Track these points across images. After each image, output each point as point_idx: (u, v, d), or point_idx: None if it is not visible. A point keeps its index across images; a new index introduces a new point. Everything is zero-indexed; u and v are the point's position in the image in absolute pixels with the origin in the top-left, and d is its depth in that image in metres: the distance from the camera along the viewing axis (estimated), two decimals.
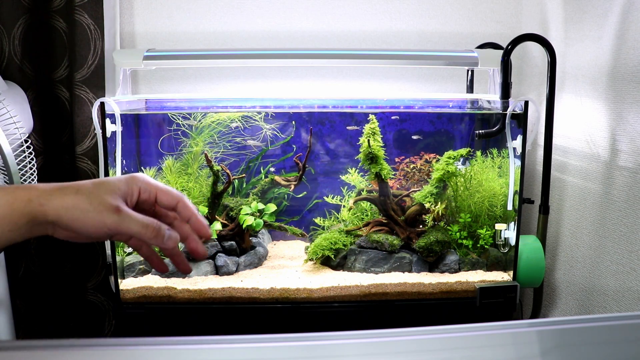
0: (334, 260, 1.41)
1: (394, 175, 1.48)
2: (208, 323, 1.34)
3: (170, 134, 1.50)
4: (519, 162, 1.32)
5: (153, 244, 0.59)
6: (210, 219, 1.43)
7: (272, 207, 1.46)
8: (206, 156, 1.40)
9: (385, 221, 1.46)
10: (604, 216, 1.23)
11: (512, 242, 1.34)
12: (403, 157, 1.54)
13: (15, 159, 1.19)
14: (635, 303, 1.13)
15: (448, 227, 1.44)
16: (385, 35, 1.66)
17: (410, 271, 1.40)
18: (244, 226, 1.41)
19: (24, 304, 1.62)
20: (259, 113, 1.53)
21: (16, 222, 0.53)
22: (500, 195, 1.41)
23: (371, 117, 1.40)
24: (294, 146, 1.59)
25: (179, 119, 1.48)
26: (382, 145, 1.40)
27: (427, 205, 1.43)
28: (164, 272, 0.60)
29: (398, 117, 1.58)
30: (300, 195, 1.60)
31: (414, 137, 1.58)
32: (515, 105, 1.30)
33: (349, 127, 1.56)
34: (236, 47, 1.64)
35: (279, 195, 1.60)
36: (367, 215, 1.52)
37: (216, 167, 1.42)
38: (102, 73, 1.52)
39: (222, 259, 1.39)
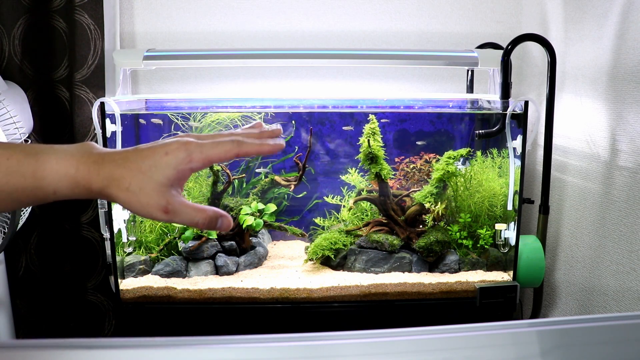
0: (334, 260, 1.41)
1: (394, 175, 1.48)
2: (208, 323, 1.33)
3: (170, 134, 1.50)
4: (519, 162, 1.32)
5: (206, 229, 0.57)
6: None
7: (272, 207, 1.46)
8: None
9: (385, 221, 1.46)
10: (604, 216, 1.23)
11: (512, 242, 1.34)
12: (403, 157, 1.54)
13: None
14: (635, 303, 1.13)
15: (448, 227, 1.44)
16: (385, 35, 1.66)
17: (410, 271, 1.40)
18: (244, 226, 1.41)
19: (24, 304, 1.62)
20: (259, 113, 1.53)
21: (66, 196, 0.56)
22: (500, 195, 1.41)
23: (371, 117, 1.40)
24: (296, 147, 1.59)
25: (178, 119, 1.48)
26: (382, 145, 1.40)
27: (427, 205, 1.43)
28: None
29: (388, 120, 1.58)
30: (300, 195, 1.60)
31: (419, 142, 1.58)
32: (515, 105, 1.30)
33: (345, 128, 1.56)
34: (236, 47, 1.64)
35: (279, 195, 1.60)
36: (367, 215, 1.52)
37: (216, 167, 1.42)
38: (102, 73, 1.52)
39: (222, 259, 1.39)
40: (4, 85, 1.39)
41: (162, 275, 1.37)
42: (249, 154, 0.59)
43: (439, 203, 1.43)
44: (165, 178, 0.55)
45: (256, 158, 1.58)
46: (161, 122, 1.49)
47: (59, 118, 1.56)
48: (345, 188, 1.53)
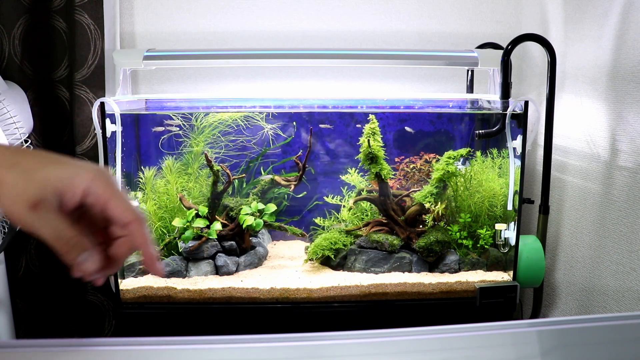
0: (334, 260, 1.41)
1: (394, 175, 1.48)
2: (208, 323, 1.33)
3: (171, 133, 1.50)
4: (519, 162, 1.32)
5: (65, 260, 0.50)
6: (210, 219, 1.43)
7: (272, 207, 1.46)
8: (206, 156, 1.40)
9: (385, 221, 1.46)
10: (604, 216, 1.23)
11: (512, 242, 1.34)
12: (403, 157, 1.54)
13: None
14: (635, 303, 1.13)
15: (448, 227, 1.44)
16: (385, 35, 1.66)
17: (410, 271, 1.40)
18: (244, 226, 1.41)
19: (24, 304, 1.62)
20: (260, 113, 1.53)
21: None
22: (500, 195, 1.41)
23: (371, 117, 1.40)
24: (300, 151, 1.59)
25: (179, 119, 1.48)
26: (382, 145, 1.40)
27: (427, 205, 1.43)
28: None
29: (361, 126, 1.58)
30: (300, 195, 1.60)
31: (407, 128, 1.57)
32: (515, 105, 1.30)
33: (321, 125, 1.57)
34: (236, 47, 1.64)
35: (279, 195, 1.60)
36: (367, 215, 1.52)
37: (216, 167, 1.42)
38: (102, 73, 1.52)
39: (222, 259, 1.39)
40: (4, 85, 1.39)
41: (161, 275, 1.37)
42: (139, 236, 0.51)
43: (439, 203, 1.43)
44: (54, 177, 0.48)
45: (257, 158, 1.58)
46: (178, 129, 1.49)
47: (59, 118, 1.56)
48: (345, 188, 1.53)
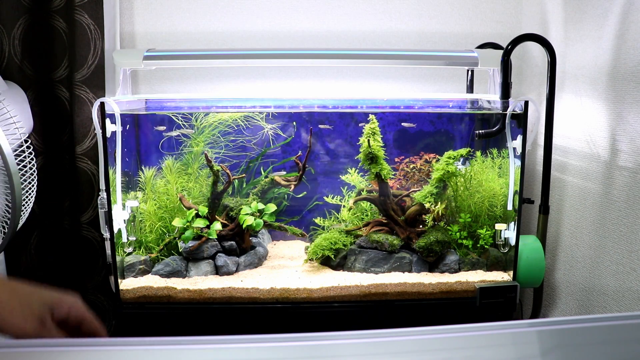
0: (334, 260, 1.41)
1: (394, 175, 1.48)
2: (208, 323, 1.33)
3: (170, 134, 1.50)
4: (519, 162, 1.32)
5: None
6: (210, 219, 1.43)
7: (272, 207, 1.46)
8: (206, 156, 1.40)
9: (385, 221, 1.46)
10: (604, 216, 1.23)
11: (512, 242, 1.34)
12: (403, 157, 1.54)
13: (15, 159, 1.19)
14: (635, 303, 1.13)
15: (448, 227, 1.44)
16: (385, 35, 1.66)
17: (410, 271, 1.40)
18: (244, 226, 1.41)
19: None
20: (261, 113, 1.53)
21: None
22: (500, 195, 1.41)
23: (371, 117, 1.40)
24: (300, 151, 1.59)
25: (179, 120, 1.48)
26: (382, 145, 1.40)
27: (427, 205, 1.43)
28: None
29: (364, 124, 1.58)
30: (300, 195, 1.60)
31: (405, 124, 1.57)
32: (515, 105, 1.30)
33: (321, 126, 1.57)
34: (236, 47, 1.64)
35: (279, 195, 1.60)
36: (367, 215, 1.52)
37: (216, 167, 1.42)
38: (102, 73, 1.52)
39: (222, 259, 1.39)
40: (4, 85, 1.39)
41: (162, 275, 1.37)
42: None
43: (439, 203, 1.43)
44: (49, 298, 0.61)
45: (257, 158, 1.58)
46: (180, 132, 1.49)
47: (59, 118, 1.55)
48: (345, 188, 1.53)
